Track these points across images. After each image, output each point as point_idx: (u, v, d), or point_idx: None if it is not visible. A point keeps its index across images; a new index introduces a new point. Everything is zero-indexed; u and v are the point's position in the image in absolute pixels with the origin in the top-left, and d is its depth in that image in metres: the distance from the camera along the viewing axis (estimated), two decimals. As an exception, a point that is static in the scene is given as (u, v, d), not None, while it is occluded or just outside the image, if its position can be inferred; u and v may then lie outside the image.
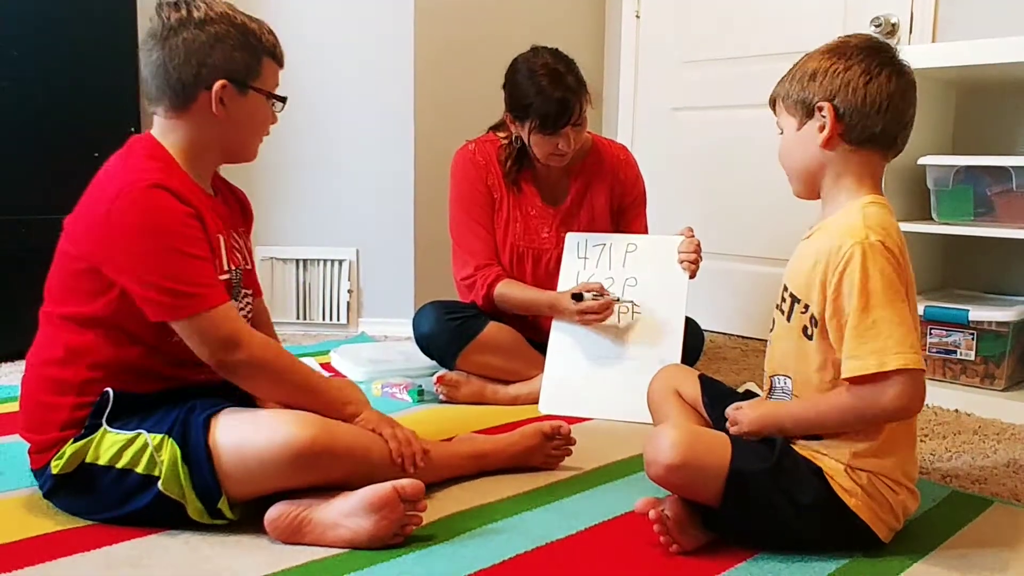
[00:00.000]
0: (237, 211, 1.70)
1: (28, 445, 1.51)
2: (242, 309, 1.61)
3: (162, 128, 1.53)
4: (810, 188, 1.48)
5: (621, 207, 2.40)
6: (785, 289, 1.46)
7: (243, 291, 1.63)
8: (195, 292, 1.40)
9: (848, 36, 1.44)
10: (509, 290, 2.29)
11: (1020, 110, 2.51)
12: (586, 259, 2.29)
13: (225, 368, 1.44)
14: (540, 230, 2.36)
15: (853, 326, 1.32)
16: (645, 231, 2.43)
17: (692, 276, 2.20)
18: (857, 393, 1.33)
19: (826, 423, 1.39)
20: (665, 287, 2.21)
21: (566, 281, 2.27)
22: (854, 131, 1.39)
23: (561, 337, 2.23)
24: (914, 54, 2.34)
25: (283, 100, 1.61)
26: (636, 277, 2.23)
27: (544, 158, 2.25)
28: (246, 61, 1.52)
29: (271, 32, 1.58)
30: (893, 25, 2.70)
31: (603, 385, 2.16)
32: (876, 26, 2.70)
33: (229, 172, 3.09)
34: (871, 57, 1.39)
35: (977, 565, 1.38)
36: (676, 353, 2.15)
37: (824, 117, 1.39)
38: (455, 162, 2.39)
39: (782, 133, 1.49)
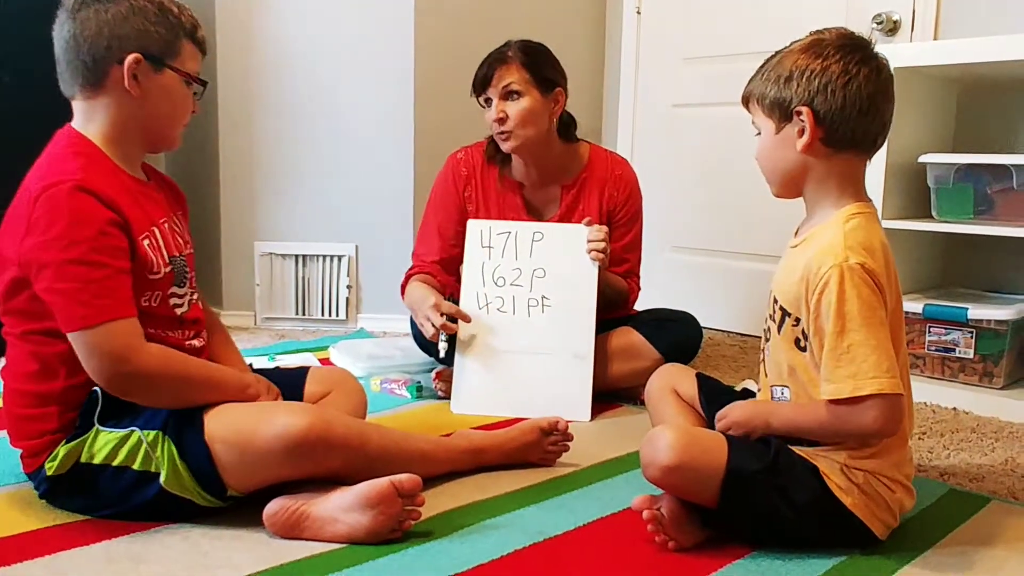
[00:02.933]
0: (171, 197, 1.64)
1: (19, 451, 1.50)
2: (192, 292, 1.59)
3: (82, 114, 1.47)
4: (790, 190, 1.45)
5: (611, 223, 2.33)
6: (775, 301, 1.45)
7: (189, 275, 1.58)
8: (92, 303, 1.33)
9: (821, 32, 1.40)
10: (412, 285, 2.29)
11: (1021, 108, 2.51)
12: (491, 248, 2.19)
13: (115, 385, 1.37)
14: None
15: (829, 349, 1.31)
16: (633, 253, 2.37)
17: (603, 266, 2.15)
18: (834, 412, 1.33)
19: (810, 433, 1.39)
20: (575, 279, 2.14)
21: (471, 272, 2.18)
22: (835, 135, 1.36)
23: (470, 332, 2.14)
24: (916, 51, 2.36)
25: (203, 84, 1.54)
26: (545, 268, 2.16)
27: (494, 133, 2.27)
28: (163, 37, 1.45)
29: (193, 16, 1.51)
30: (895, 22, 2.70)
31: (519, 382, 2.10)
32: (878, 23, 2.70)
33: (228, 169, 3.07)
34: (849, 56, 1.34)
35: (974, 563, 1.39)
36: (589, 347, 2.11)
37: (803, 121, 1.36)
38: (442, 168, 2.43)
39: (759, 134, 1.46)
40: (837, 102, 1.34)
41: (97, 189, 1.37)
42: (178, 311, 1.53)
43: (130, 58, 1.42)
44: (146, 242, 1.45)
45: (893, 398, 1.29)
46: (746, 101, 1.47)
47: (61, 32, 1.44)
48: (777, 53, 1.42)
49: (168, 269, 1.50)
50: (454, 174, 2.39)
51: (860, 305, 1.30)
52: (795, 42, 1.41)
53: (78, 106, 1.48)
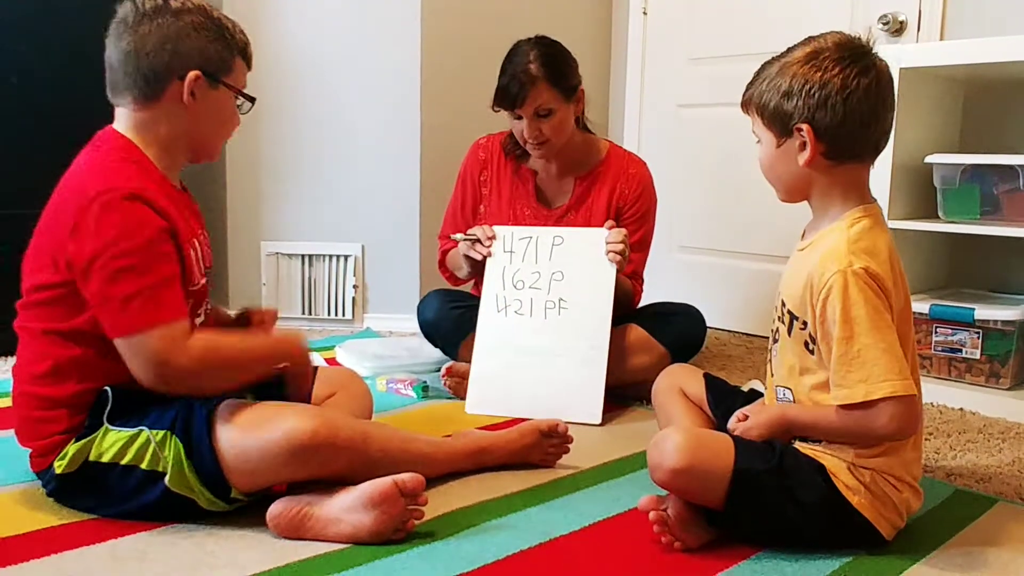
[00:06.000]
0: (197, 208, 1.66)
1: (28, 450, 1.50)
2: (207, 304, 1.61)
3: (129, 121, 1.48)
4: (795, 197, 1.45)
5: (620, 220, 2.34)
6: (783, 304, 1.45)
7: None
8: (136, 312, 1.35)
9: (819, 39, 1.38)
10: (450, 257, 2.43)
11: (1028, 108, 2.50)
12: (512, 253, 2.22)
13: (159, 385, 1.39)
14: None
15: (839, 356, 1.31)
16: (639, 254, 2.37)
17: (620, 268, 2.16)
18: (849, 417, 1.33)
19: (828, 435, 1.38)
20: (592, 281, 2.15)
21: (492, 276, 2.22)
22: (836, 148, 1.36)
23: (487, 333, 2.18)
24: (922, 52, 2.35)
25: (252, 100, 1.58)
26: (563, 271, 2.18)
27: (521, 142, 2.29)
28: (220, 54, 1.49)
29: (244, 32, 1.55)
30: (901, 23, 2.69)
31: (532, 383, 2.11)
32: (884, 23, 2.69)
33: (235, 169, 3.07)
34: (848, 67, 1.33)
35: (981, 564, 1.38)
36: (604, 348, 2.11)
37: (804, 137, 1.35)
38: (467, 153, 2.49)
39: (759, 141, 1.45)
40: (838, 116, 1.33)
41: (151, 198, 1.39)
42: (198, 320, 1.55)
43: (191, 75, 1.45)
44: (191, 253, 1.48)
45: (907, 399, 1.29)
46: (745, 107, 1.46)
47: (119, 44, 1.45)
48: (775, 60, 1.40)
49: (203, 282, 1.53)
50: (473, 158, 2.46)
51: (867, 310, 1.29)
52: (792, 49, 1.39)
53: (126, 113, 1.49)
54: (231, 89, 1.53)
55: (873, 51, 1.37)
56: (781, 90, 1.37)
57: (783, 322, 1.45)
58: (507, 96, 2.20)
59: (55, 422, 1.44)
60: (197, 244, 1.52)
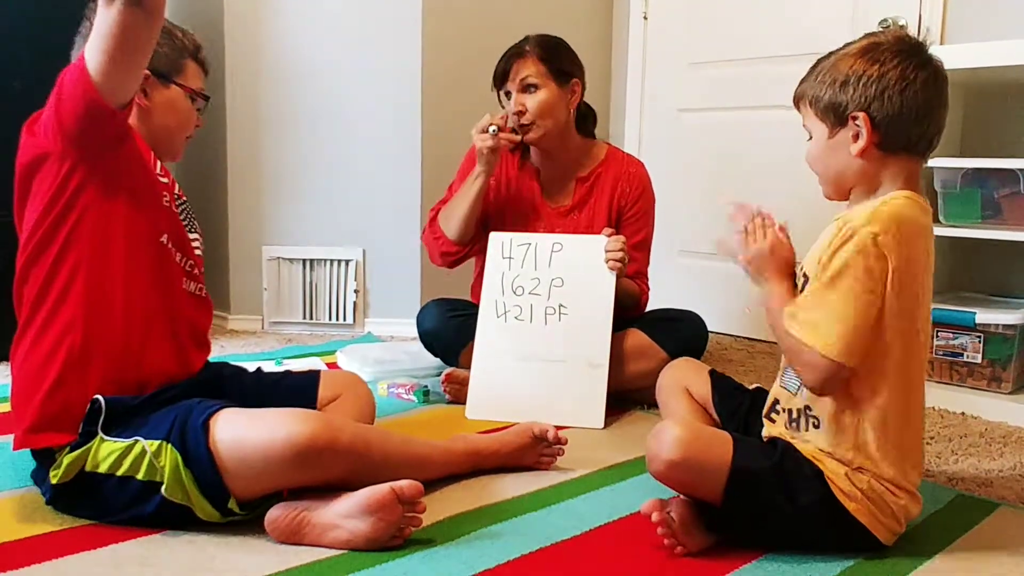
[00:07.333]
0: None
1: (28, 447, 1.48)
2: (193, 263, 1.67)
3: None
4: (842, 192, 1.45)
5: (621, 220, 2.36)
6: (800, 268, 1.45)
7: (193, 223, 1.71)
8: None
9: (877, 35, 1.39)
10: (445, 207, 2.38)
11: (1028, 112, 2.50)
12: (511, 259, 2.22)
13: None
14: (536, 229, 2.36)
15: (813, 290, 1.35)
16: (642, 253, 2.38)
17: (620, 275, 2.17)
18: (795, 338, 1.36)
19: (780, 336, 1.41)
20: (592, 287, 2.16)
21: (491, 282, 2.22)
22: (890, 139, 1.36)
23: (487, 338, 2.18)
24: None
25: (206, 98, 1.71)
26: (563, 277, 2.18)
27: (513, 124, 2.30)
28: (169, 57, 1.62)
29: (197, 39, 1.69)
30: (901, 27, 2.69)
31: (530, 389, 2.11)
32: (884, 28, 2.70)
33: (236, 174, 3.07)
34: (906, 61, 1.34)
35: (982, 568, 1.38)
36: (604, 354, 2.12)
37: (859, 126, 1.35)
38: (470, 150, 2.46)
39: (810, 138, 1.44)
40: (894, 108, 1.34)
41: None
42: (192, 285, 1.66)
43: (142, 74, 1.48)
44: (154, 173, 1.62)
45: (824, 361, 1.31)
46: (797, 102, 1.46)
47: (78, 50, 1.52)
48: (831, 54, 1.41)
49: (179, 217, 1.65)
50: (476, 157, 2.41)
51: (852, 276, 1.31)
52: (850, 44, 1.40)
53: None
54: (183, 88, 1.64)
55: (930, 50, 1.39)
56: (837, 81, 1.37)
57: (798, 288, 1.45)
58: (498, 71, 2.28)
59: (44, 374, 1.44)
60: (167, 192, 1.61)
